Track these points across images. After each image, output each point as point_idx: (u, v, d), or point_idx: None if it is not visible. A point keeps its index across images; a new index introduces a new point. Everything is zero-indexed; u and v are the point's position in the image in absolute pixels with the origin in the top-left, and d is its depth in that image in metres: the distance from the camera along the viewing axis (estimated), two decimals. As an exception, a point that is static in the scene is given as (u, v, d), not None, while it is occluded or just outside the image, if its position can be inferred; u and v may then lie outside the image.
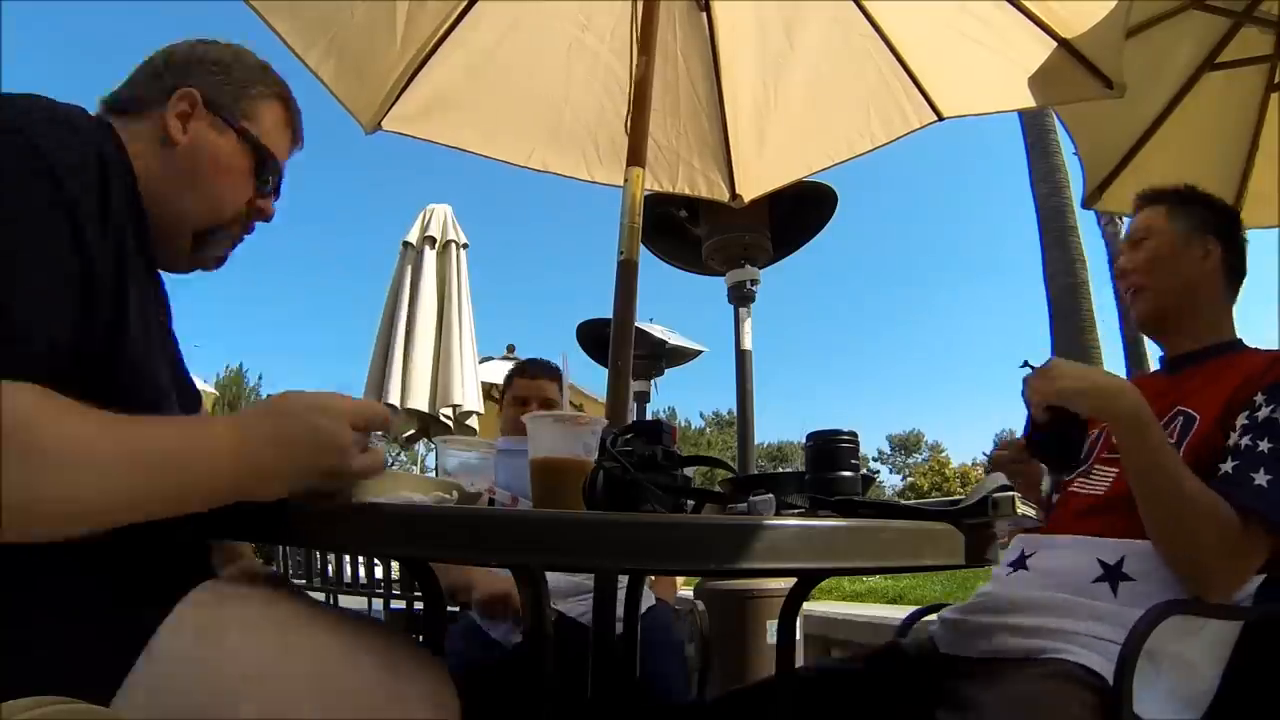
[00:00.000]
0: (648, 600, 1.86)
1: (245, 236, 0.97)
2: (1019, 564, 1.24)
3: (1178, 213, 1.36)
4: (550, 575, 1.38)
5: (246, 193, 0.93)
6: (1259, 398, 1.13)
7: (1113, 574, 1.11)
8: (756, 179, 2.68)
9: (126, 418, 0.66)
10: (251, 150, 0.92)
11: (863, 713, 1.20)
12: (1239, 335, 1.35)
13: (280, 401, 0.76)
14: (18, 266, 0.64)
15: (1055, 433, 1.15)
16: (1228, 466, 1.10)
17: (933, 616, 1.35)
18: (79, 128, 0.74)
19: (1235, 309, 1.39)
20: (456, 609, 2.27)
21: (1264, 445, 1.08)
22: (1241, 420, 1.13)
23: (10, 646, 0.64)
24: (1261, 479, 1.05)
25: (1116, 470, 1.22)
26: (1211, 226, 1.35)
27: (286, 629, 0.72)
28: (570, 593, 1.86)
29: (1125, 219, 2.80)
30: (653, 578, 2.02)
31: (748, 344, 3.54)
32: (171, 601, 0.70)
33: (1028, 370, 1.16)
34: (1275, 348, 1.24)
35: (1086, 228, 8.91)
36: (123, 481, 0.63)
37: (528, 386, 2.23)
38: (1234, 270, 1.36)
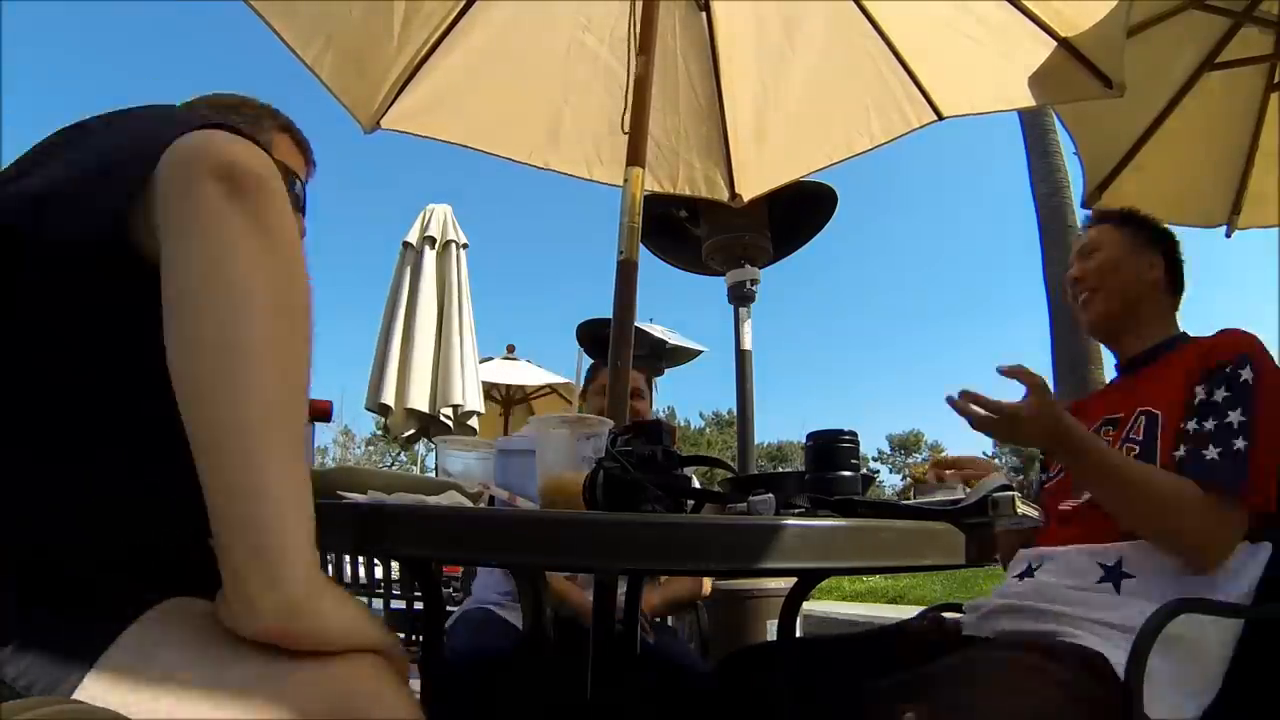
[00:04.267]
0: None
1: None
2: (1026, 574, 1.29)
3: (1125, 228, 1.47)
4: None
5: None
6: (1198, 389, 1.21)
7: (1113, 574, 1.17)
8: (756, 178, 2.68)
9: None
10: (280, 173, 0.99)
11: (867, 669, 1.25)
12: (1183, 330, 1.44)
13: None
14: None
15: None
16: (1180, 452, 1.17)
17: (954, 615, 1.41)
18: None
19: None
20: (457, 608, 2.27)
21: (1209, 424, 1.16)
22: (1185, 410, 1.20)
23: None
24: (1212, 453, 1.13)
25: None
26: (1155, 244, 1.45)
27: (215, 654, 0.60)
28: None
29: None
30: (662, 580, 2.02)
31: (748, 344, 3.54)
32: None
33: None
34: (1212, 334, 1.30)
35: (1086, 228, 8.89)
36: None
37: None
38: (1175, 284, 1.46)
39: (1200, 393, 1.19)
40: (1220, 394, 1.17)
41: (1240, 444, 1.11)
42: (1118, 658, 1.02)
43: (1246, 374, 1.17)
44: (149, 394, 0.62)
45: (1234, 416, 1.14)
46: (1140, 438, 1.24)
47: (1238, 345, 1.22)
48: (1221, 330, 1.28)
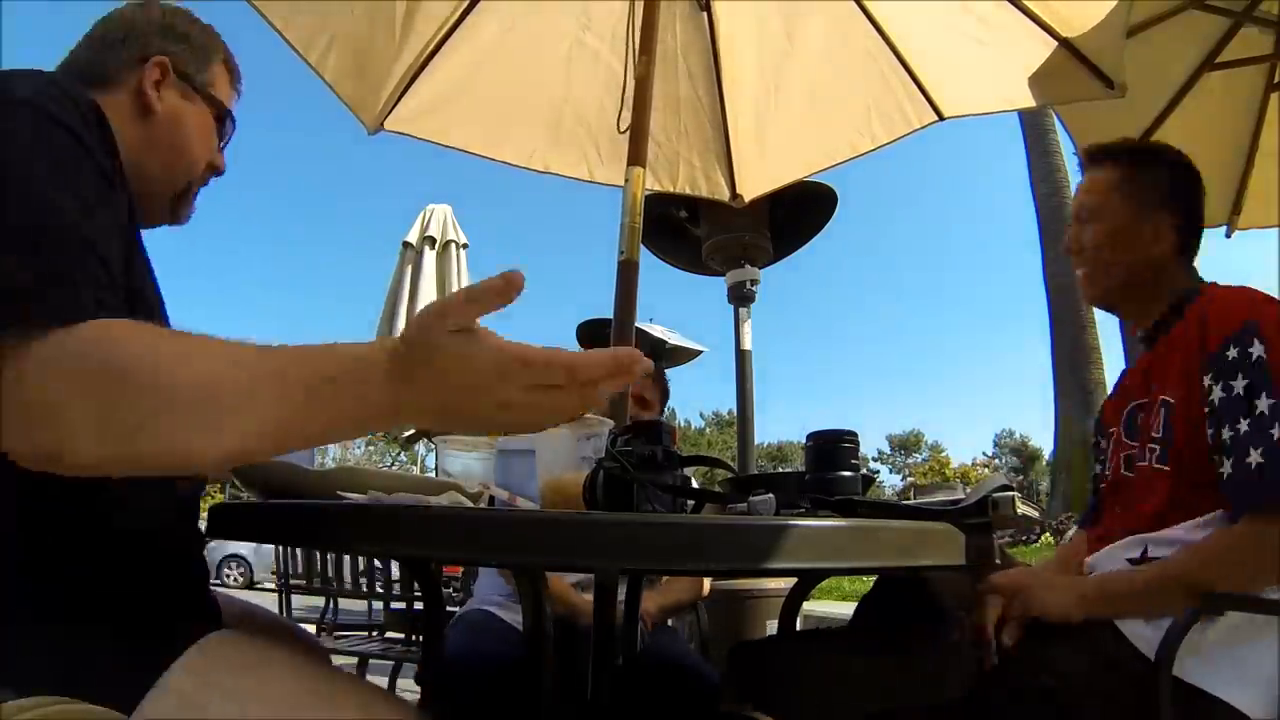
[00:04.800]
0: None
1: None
2: None
3: (1130, 185, 1.29)
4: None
5: (211, 152, 1.00)
6: (1209, 382, 1.09)
7: (1141, 564, 1.15)
8: (757, 179, 2.68)
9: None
10: (215, 113, 1.00)
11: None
12: (1199, 277, 1.28)
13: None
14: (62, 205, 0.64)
15: None
16: (1226, 469, 1.05)
17: None
18: (79, 98, 0.73)
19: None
20: (457, 608, 2.27)
21: (1243, 425, 1.04)
22: (1205, 407, 1.09)
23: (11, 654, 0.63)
24: (1255, 457, 1.01)
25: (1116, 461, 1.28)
26: (1166, 194, 1.28)
27: (271, 706, 0.67)
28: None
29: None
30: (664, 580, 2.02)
31: (748, 344, 3.55)
32: (171, 634, 0.67)
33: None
34: (1229, 286, 1.19)
35: (1087, 228, 8.91)
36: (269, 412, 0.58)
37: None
38: (1190, 233, 1.28)
39: (1216, 389, 1.07)
40: (1239, 385, 1.05)
41: (1278, 431, 1.00)
42: (1144, 631, 1.03)
43: (1257, 349, 1.05)
44: None
45: (1262, 403, 1.02)
46: (1160, 435, 1.16)
47: (1234, 315, 1.10)
48: (1214, 296, 1.17)
